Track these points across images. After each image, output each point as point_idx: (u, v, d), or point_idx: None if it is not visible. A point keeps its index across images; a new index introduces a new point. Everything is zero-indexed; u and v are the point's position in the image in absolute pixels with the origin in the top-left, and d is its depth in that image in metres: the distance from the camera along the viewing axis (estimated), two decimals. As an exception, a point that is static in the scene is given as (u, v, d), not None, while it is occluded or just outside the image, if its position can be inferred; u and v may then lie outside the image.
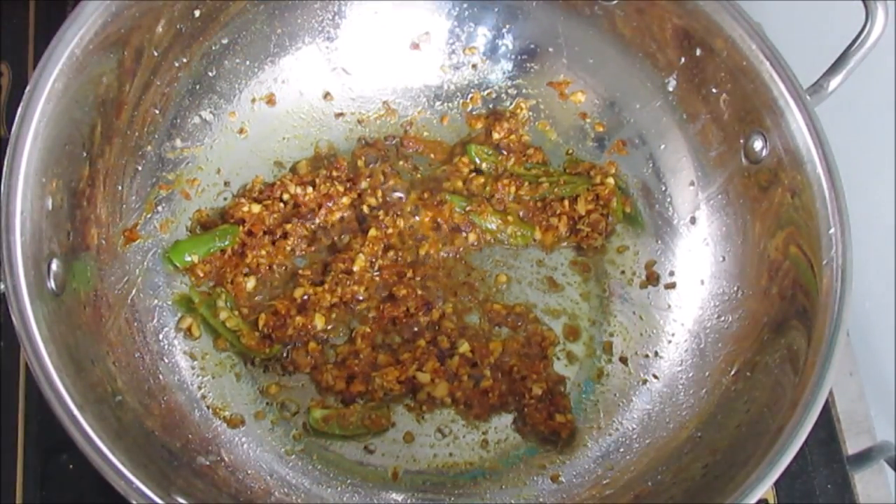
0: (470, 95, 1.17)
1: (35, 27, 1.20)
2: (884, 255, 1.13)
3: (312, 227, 1.08)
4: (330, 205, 1.08)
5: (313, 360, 1.02)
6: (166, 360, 0.99)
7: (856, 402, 1.16)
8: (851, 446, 1.12)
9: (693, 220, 1.08)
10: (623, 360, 1.07)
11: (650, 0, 1.02)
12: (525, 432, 1.02)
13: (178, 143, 1.05)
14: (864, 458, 1.10)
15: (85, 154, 0.91)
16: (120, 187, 0.98)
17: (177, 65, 1.01)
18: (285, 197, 1.08)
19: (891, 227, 1.11)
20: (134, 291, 0.99)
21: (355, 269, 1.05)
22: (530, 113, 1.16)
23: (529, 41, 1.14)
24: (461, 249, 1.10)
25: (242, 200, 1.06)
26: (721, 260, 1.05)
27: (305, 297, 1.03)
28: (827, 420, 1.11)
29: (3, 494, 0.98)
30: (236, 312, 1.02)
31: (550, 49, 1.14)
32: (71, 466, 0.99)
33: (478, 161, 1.13)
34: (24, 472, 1.00)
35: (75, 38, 0.85)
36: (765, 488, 0.81)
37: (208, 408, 0.99)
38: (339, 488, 0.98)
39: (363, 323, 1.05)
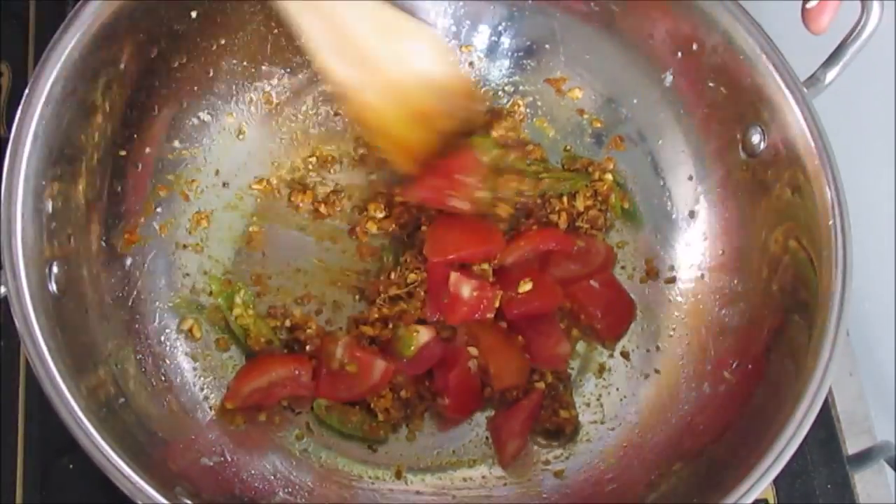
0: (467, 93, 1.17)
1: (35, 27, 1.20)
2: (884, 255, 1.13)
3: None
4: None
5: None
6: (168, 362, 0.99)
7: (856, 402, 1.16)
8: (851, 446, 1.12)
9: (692, 215, 1.08)
10: (624, 355, 1.07)
11: (646, -5, 1.03)
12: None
13: (177, 144, 1.05)
14: (865, 457, 1.11)
15: (84, 156, 0.91)
16: (119, 189, 0.98)
17: (175, 65, 1.00)
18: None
19: (891, 226, 1.12)
20: (135, 293, 0.99)
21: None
22: (528, 110, 1.16)
23: (526, 39, 1.14)
24: None
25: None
26: (721, 254, 1.05)
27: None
28: (827, 420, 1.12)
29: (4, 495, 0.98)
30: (251, 311, 1.02)
31: (547, 46, 1.14)
32: (71, 467, 0.99)
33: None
34: (24, 473, 1.00)
35: (73, 39, 0.85)
36: (763, 486, 0.81)
37: (211, 408, 0.99)
38: (342, 487, 0.98)
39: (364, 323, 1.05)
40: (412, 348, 1.00)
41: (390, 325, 1.02)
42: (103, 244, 0.96)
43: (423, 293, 1.03)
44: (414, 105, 1.00)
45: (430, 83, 1.00)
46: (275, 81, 1.11)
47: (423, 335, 1.00)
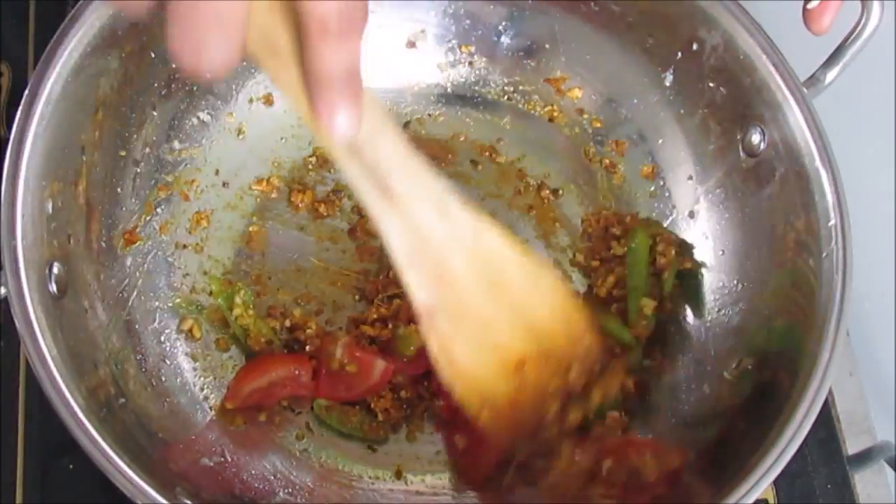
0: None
1: (35, 27, 1.20)
2: (884, 255, 1.13)
3: None
4: None
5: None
6: (168, 363, 0.99)
7: (856, 402, 1.15)
8: (851, 446, 1.12)
9: (692, 215, 1.08)
10: (624, 355, 1.07)
11: (646, -5, 1.03)
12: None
13: (177, 144, 1.05)
14: (865, 458, 1.10)
15: (84, 157, 0.91)
16: (119, 190, 0.98)
17: (174, 66, 1.00)
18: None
19: (891, 226, 1.11)
20: (134, 294, 0.99)
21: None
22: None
23: (526, 38, 1.14)
24: None
25: None
26: (721, 254, 1.05)
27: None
28: (827, 420, 1.11)
29: (4, 495, 0.98)
30: (251, 311, 1.02)
31: (547, 46, 1.14)
32: (71, 467, 0.99)
33: None
34: (24, 473, 1.00)
35: (73, 39, 0.85)
36: (764, 487, 0.81)
37: (211, 409, 0.99)
38: (342, 487, 0.98)
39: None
40: (412, 348, 1.00)
41: (389, 326, 1.02)
42: (103, 244, 0.96)
43: None
44: (505, 347, 0.84)
45: (531, 324, 0.85)
46: (274, 81, 1.11)
47: None
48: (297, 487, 0.96)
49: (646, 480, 0.88)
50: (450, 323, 0.80)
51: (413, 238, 0.75)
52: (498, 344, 0.84)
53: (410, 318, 1.01)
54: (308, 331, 1.02)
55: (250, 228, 1.09)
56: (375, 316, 1.03)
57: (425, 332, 0.80)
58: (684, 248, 1.06)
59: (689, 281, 1.05)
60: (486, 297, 0.81)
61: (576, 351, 0.88)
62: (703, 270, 1.06)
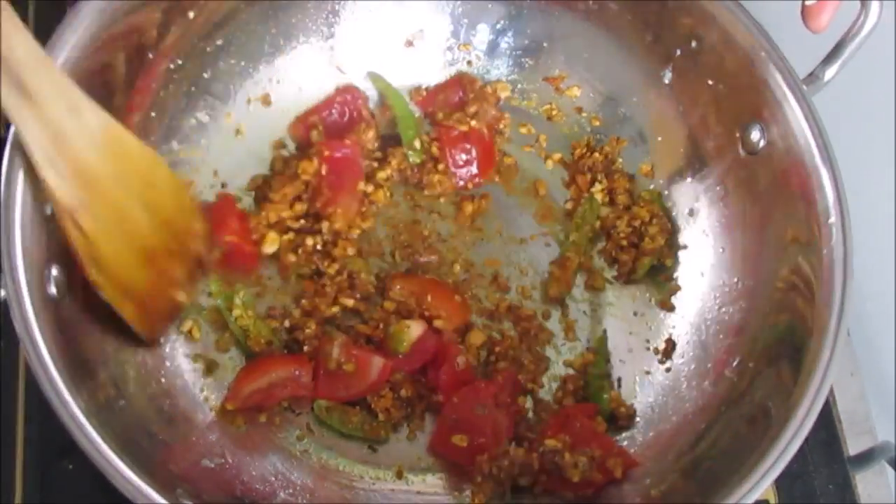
0: (467, 92, 1.17)
1: (35, 27, 1.19)
2: (884, 255, 1.13)
3: None
4: None
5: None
6: (168, 364, 0.99)
7: (857, 403, 1.15)
8: (852, 447, 1.12)
9: (692, 212, 1.08)
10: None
11: (645, -7, 1.03)
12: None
13: (175, 145, 1.05)
14: (866, 458, 1.11)
15: (82, 158, 0.91)
16: (118, 191, 0.98)
17: (172, 67, 1.00)
18: None
19: (891, 226, 1.11)
20: (134, 295, 0.99)
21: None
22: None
23: (524, 37, 1.14)
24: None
25: None
26: (721, 251, 1.05)
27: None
28: (828, 420, 1.12)
29: (4, 496, 0.99)
30: (250, 312, 1.02)
31: (545, 44, 1.14)
32: (70, 467, 0.99)
33: None
34: (23, 474, 1.00)
35: (71, 41, 0.85)
36: (765, 486, 0.81)
37: (211, 410, 0.99)
38: (343, 488, 0.98)
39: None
40: (405, 343, 1.00)
41: (380, 326, 1.02)
42: (102, 246, 0.96)
43: None
44: (139, 237, 0.90)
45: (156, 213, 0.91)
46: (273, 81, 1.11)
47: (415, 329, 1.01)
48: (298, 488, 0.96)
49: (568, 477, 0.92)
50: (91, 220, 0.84)
51: (49, 135, 0.79)
52: (133, 235, 0.89)
53: (402, 315, 1.02)
54: (307, 331, 1.01)
55: (249, 229, 1.08)
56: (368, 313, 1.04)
57: (68, 232, 0.83)
58: (673, 243, 1.07)
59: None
60: (119, 192, 0.86)
61: (190, 237, 0.96)
62: (705, 269, 1.06)
